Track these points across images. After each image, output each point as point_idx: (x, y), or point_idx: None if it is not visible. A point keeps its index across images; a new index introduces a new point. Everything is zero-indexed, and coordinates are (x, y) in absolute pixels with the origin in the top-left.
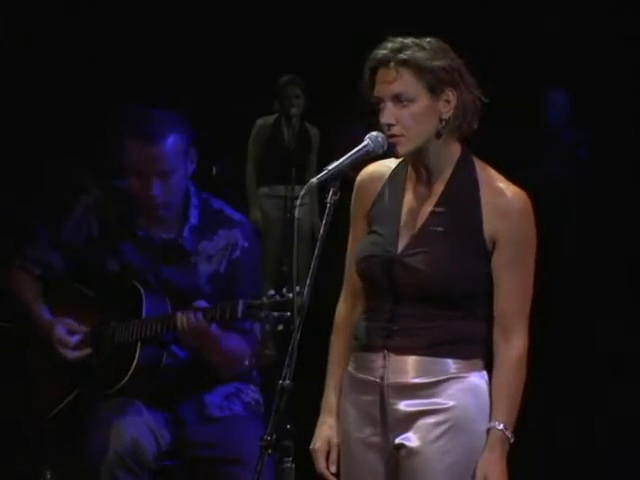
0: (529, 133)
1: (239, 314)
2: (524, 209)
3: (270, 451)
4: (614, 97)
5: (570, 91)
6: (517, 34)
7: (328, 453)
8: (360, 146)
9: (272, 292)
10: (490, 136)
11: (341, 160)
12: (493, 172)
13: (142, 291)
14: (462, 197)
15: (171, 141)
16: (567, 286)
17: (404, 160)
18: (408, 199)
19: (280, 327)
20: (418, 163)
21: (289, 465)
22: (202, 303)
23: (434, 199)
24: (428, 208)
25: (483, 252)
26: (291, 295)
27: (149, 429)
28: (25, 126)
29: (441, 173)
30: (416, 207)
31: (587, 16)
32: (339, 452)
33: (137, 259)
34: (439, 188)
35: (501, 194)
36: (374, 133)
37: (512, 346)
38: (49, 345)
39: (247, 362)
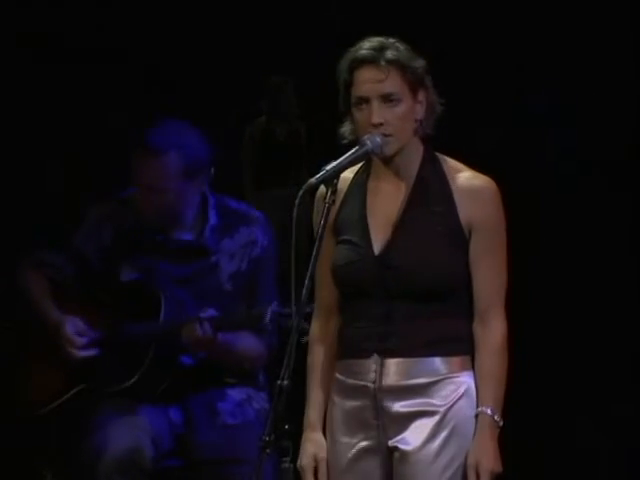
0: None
1: (267, 320)
2: (494, 195)
3: (268, 451)
4: (603, 96)
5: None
6: (507, 34)
7: (316, 469)
8: (359, 146)
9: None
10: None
11: (339, 160)
12: (457, 163)
13: (161, 295)
14: (432, 190)
15: (172, 156)
16: (566, 285)
17: (361, 167)
18: (374, 201)
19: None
20: (388, 163)
21: (287, 465)
22: (210, 312)
23: (404, 196)
24: (400, 205)
25: (461, 241)
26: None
27: (148, 433)
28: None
29: (408, 171)
30: (385, 207)
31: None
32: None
33: (157, 263)
34: (408, 185)
35: (471, 181)
36: (373, 133)
37: (491, 332)
38: (55, 343)
39: (262, 362)
